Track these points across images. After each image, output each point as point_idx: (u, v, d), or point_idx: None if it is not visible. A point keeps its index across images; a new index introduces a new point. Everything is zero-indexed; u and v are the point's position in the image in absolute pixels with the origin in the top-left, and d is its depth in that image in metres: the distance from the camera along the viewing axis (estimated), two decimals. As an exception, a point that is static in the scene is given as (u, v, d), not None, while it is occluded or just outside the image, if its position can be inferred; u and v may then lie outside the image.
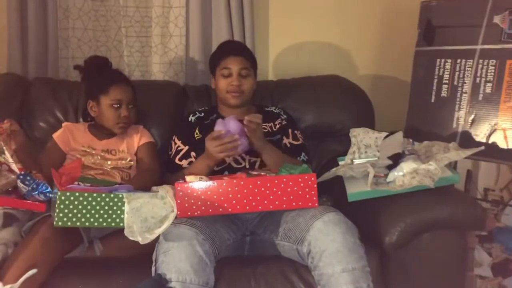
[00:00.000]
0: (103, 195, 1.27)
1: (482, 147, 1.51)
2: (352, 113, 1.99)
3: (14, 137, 1.43)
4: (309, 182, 1.32)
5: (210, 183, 1.31)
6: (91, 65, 1.80)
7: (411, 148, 1.58)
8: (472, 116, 1.77)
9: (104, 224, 1.26)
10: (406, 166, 1.45)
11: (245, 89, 1.72)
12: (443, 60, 1.85)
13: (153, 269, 1.26)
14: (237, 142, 1.46)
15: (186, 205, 1.29)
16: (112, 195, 1.27)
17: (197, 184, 1.31)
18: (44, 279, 1.29)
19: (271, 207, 1.31)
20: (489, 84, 1.73)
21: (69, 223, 1.23)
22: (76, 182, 1.34)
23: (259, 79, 1.91)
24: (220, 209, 1.30)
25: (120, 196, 1.28)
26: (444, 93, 1.85)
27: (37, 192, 1.34)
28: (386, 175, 1.49)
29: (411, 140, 1.63)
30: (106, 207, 1.26)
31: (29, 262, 1.26)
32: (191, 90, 2.05)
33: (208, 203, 1.30)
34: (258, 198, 1.31)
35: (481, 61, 1.75)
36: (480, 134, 1.75)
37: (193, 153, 1.69)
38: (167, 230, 1.25)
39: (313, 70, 2.16)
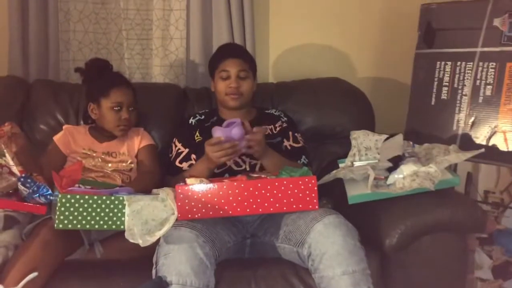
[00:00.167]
0: (104, 197, 1.27)
1: (482, 150, 1.51)
2: (352, 116, 1.99)
3: (14, 139, 1.43)
4: (310, 185, 1.32)
5: (210, 185, 1.31)
6: (92, 68, 1.80)
7: (411, 151, 1.58)
8: (472, 119, 1.77)
9: (105, 226, 1.26)
10: (406, 169, 1.45)
11: (243, 91, 1.73)
12: (443, 63, 1.86)
13: (153, 271, 1.26)
14: (237, 147, 1.45)
15: (187, 207, 1.29)
16: (112, 198, 1.28)
17: (198, 186, 1.31)
18: (45, 281, 1.29)
19: (271, 209, 1.31)
20: (489, 87, 1.73)
21: (69, 226, 1.24)
22: (76, 185, 1.34)
23: (259, 81, 1.91)
24: (221, 212, 1.30)
25: (121, 198, 1.28)
26: (444, 96, 1.86)
27: (37, 194, 1.34)
28: (386, 178, 1.49)
29: (411, 143, 1.63)
30: (107, 210, 1.26)
31: (29, 264, 1.26)
32: (192, 92, 2.05)
33: (209, 205, 1.30)
34: (259, 200, 1.31)
35: (481, 63, 1.75)
36: (480, 136, 1.75)
37: (193, 156, 1.69)
38: (168, 233, 1.25)
39: (313, 72, 2.16)
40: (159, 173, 1.74)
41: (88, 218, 1.25)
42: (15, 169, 1.39)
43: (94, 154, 1.71)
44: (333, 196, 1.59)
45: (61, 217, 1.23)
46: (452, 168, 1.74)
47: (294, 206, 1.32)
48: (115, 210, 1.27)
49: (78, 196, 1.24)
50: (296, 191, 1.31)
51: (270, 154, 1.58)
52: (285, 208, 1.32)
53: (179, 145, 1.74)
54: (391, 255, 1.40)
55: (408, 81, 2.00)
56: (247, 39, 2.17)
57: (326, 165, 1.90)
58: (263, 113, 1.84)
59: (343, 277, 1.23)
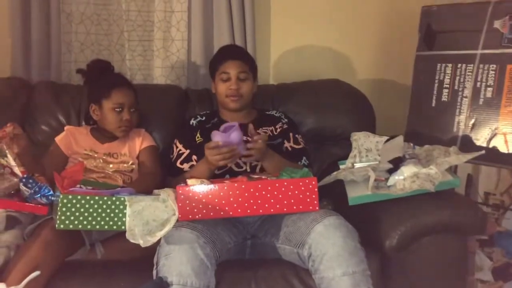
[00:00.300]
0: (105, 198, 1.27)
1: (483, 152, 1.51)
2: (353, 117, 1.99)
3: (17, 140, 1.44)
4: (310, 186, 1.32)
5: (211, 186, 1.31)
6: (93, 69, 1.81)
7: (412, 152, 1.58)
8: (473, 121, 1.78)
9: (106, 227, 1.27)
10: (407, 170, 1.45)
11: (243, 93, 1.73)
12: (443, 65, 1.86)
13: (154, 272, 1.26)
14: (235, 151, 1.46)
15: (188, 208, 1.30)
16: (114, 198, 1.28)
17: (199, 187, 1.31)
18: (46, 281, 1.30)
19: (272, 210, 1.32)
20: (489, 89, 1.74)
21: (71, 226, 1.24)
22: (78, 185, 1.34)
23: (260, 82, 1.91)
24: (221, 213, 1.31)
25: (122, 199, 1.28)
26: (444, 98, 1.86)
27: (39, 195, 1.35)
28: (386, 179, 1.49)
29: (411, 144, 1.63)
30: (108, 210, 1.27)
31: (31, 264, 1.26)
32: (193, 94, 2.06)
33: (210, 206, 1.30)
34: (259, 201, 1.31)
35: (481, 65, 1.76)
36: (480, 138, 1.75)
37: (194, 157, 1.69)
38: (169, 233, 1.25)
39: (314, 74, 2.17)
40: (160, 174, 1.75)
41: (89, 218, 1.25)
42: (17, 170, 1.40)
43: (96, 155, 1.72)
44: (333, 198, 1.59)
45: (62, 218, 1.23)
46: (453, 170, 1.73)
47: (295, 207, 1.32)
48: (116, 211, 1.27)
49: (79, 197, 1.25)
50: (296, 192, 1.32)
51: (270, 156, 1.58)
52: (285, 209, 1.32)
53: (180, 146, 1.74)
54: (391, 256, 1.40)
55: (408, 82, 2.01)
56: (248, 40, 2.17)
57: (326, 166, 1.90)
58: (263, 114, 1.85)
59: (343, 278, 1.23)
